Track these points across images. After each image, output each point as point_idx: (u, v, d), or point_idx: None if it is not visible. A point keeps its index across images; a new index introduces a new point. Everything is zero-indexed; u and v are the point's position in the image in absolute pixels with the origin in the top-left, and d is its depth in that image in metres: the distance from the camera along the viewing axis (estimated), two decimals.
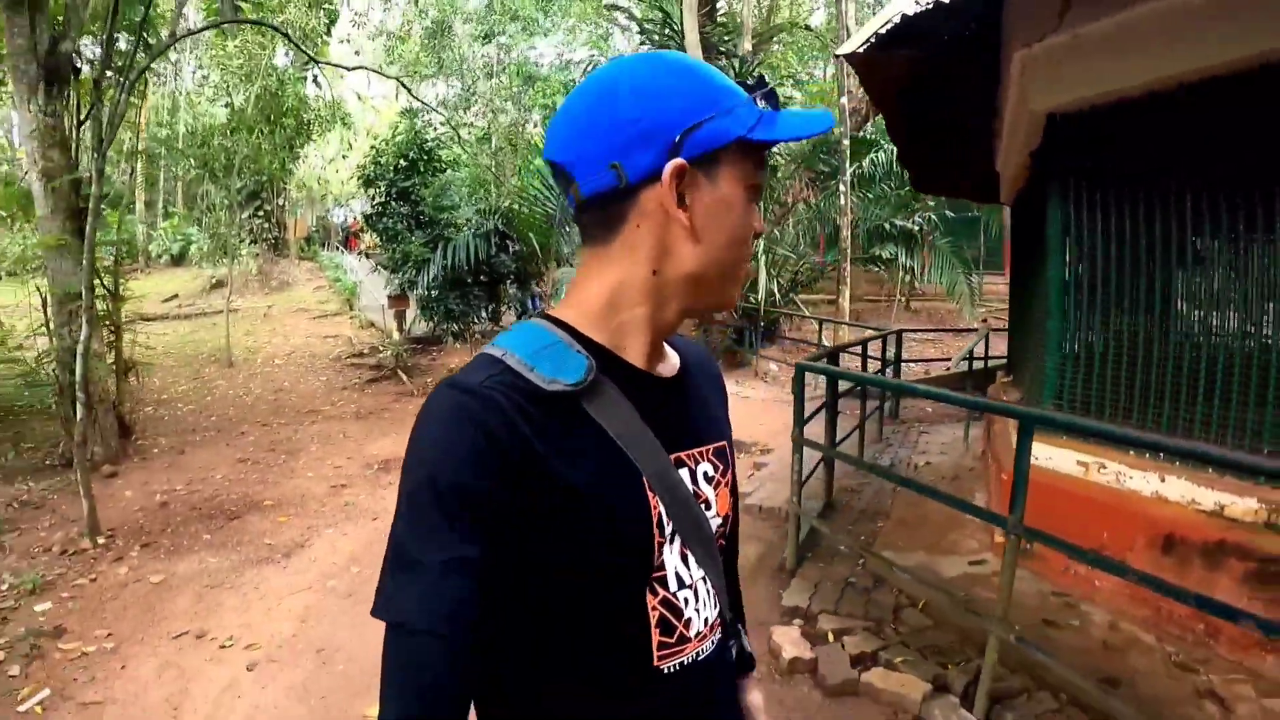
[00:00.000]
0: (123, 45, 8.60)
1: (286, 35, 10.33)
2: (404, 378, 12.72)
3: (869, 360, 9.73)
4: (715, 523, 1.00)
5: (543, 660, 0.88)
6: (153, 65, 7.99)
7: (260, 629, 4.42)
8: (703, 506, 0.97)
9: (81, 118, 7.55)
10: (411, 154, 12.60)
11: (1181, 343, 4.02)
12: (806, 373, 4.78)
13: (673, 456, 0.95)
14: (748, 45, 14.30)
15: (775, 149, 10.45)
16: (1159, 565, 3.66)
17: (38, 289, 8.11)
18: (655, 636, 0.90)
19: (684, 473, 0.96)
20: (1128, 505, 3.92)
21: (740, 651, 1.24)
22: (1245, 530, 3.45)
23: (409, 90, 11.15)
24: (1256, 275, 3.85)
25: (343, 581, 4.99)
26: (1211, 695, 3.15)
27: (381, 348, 14.26)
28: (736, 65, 12.18)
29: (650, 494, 0.89)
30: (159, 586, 5.05)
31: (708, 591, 0.97)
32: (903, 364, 10.82)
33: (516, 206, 10.71)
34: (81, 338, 6.39)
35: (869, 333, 11.00)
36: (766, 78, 0.97)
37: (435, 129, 15.22)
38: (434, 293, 11.63)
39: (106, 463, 7.67)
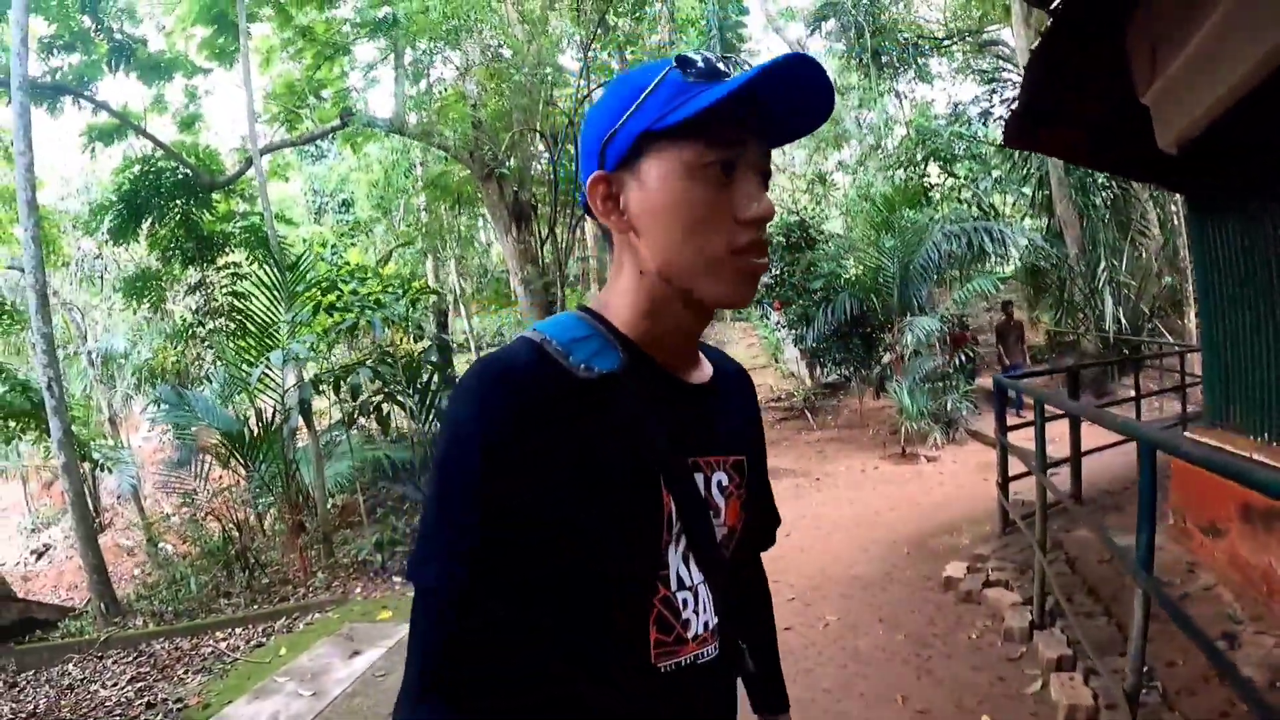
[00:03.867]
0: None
1: None
2: (809, 417, 15.09)
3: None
4: (721, 532, 1.03)
5: (545, 643, 0.88)
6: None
7: None
8: (711, 514, 1.00)
9: (543, 239, 11.61)
10: (793, 235, 14.82)
11: None
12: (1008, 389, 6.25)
13: (689, 460, 0.98)
14: None
15: None
16: (1241, 529, 4.63)
17: None
18: (653, 634, 0.93)
19: (698, 478, 0.99)
20: (1228, 484, 4.84)
21: (771, 685, 1.33)
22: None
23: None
24: None
25: None
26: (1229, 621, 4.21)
27: (795, 393, 16.83)
28: None
29: (665, 492, 0.92)
30: None
31: (707, 596, 0.99)
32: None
33: (859, 271, 12.52)
34: None
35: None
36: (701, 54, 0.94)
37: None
38: (822, 345, 13.82)
39: None
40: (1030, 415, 7.70)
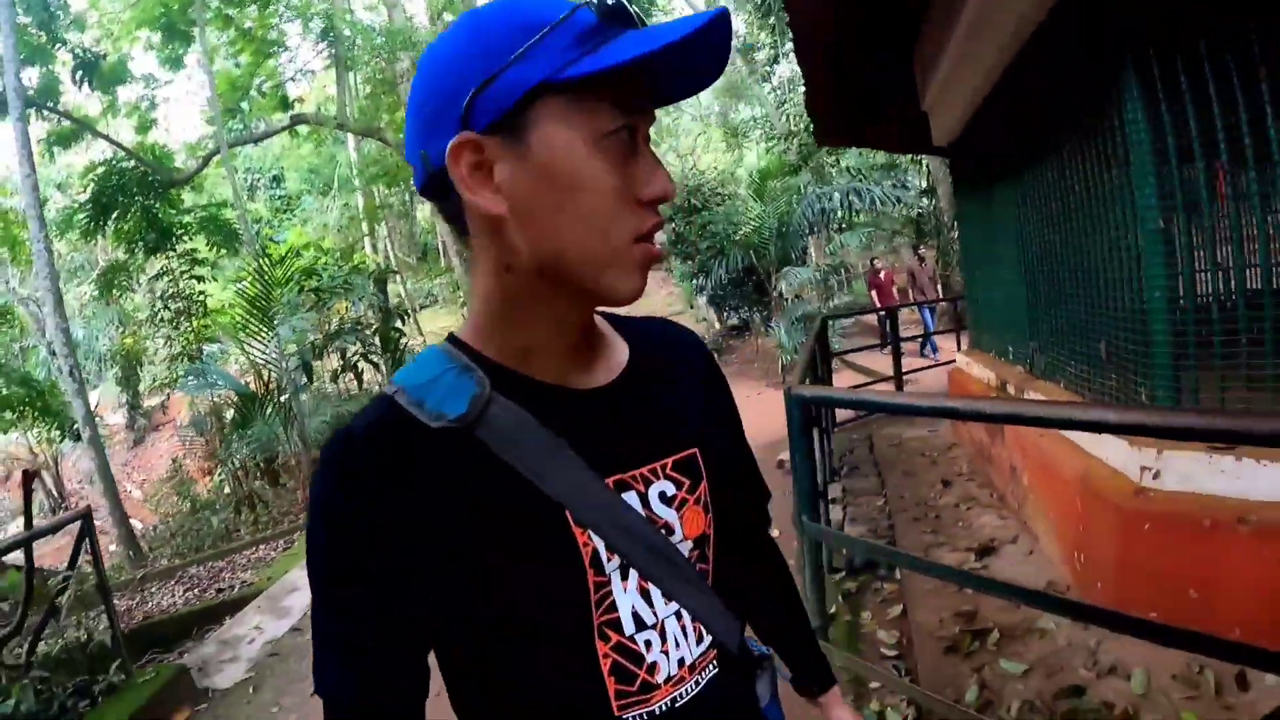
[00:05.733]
0: None
1: None
2: (715, 356, 17.34)
3: None
4: (685, 547, 0.90)
5: (500, 712, 0.85)
6: None
7: None
8: (663, 532, 0.87)
9: None
10: (691, 199, 16.81)
11: None
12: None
13: (612, 479, 0.84)
14: None
15: None
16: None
17: (463, 316, 14.88)
18: (611, 685, 0.83)
19: (631, 496, 0.86)
20: (971, 384, 7.02)
21: (809, 662, 1.21)
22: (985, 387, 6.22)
23: None
24: None
25: None
26: (955, 474, 6.44)
27: (705, 335, 19.14)
28: None
29: (576, 529, 0.80)
30: None
31: (683, 629, 0.89)
32: None
33: (747, 230, 14.68)
34: None
35: None
36: None
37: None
38: (719, 293, 15.93)
39: None
40: (935, 358, 10.03)
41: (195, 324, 14.61)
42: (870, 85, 6.94)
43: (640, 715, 0.85)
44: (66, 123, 14.89)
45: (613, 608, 0.84)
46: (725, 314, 18.51)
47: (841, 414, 8.54)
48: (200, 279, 14.90)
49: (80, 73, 13.53)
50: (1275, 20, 2.87)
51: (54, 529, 5.24)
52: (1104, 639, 3.27)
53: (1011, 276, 5.77)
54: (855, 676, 3.49)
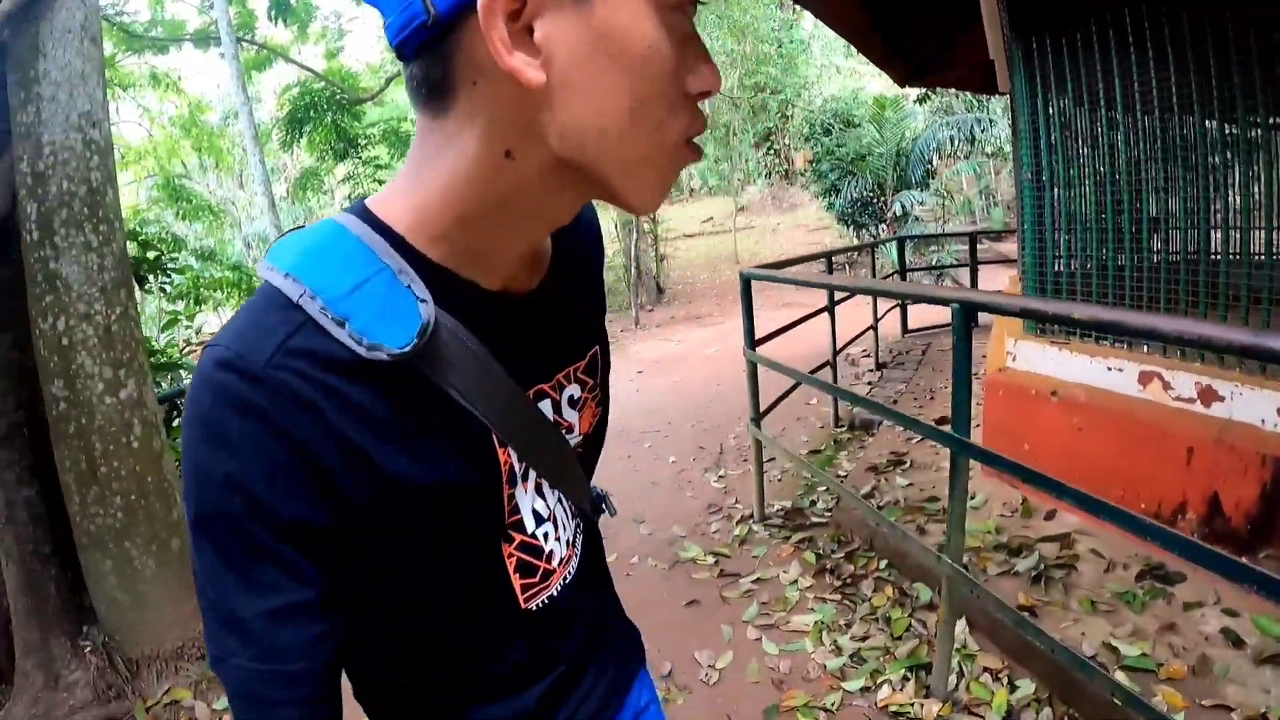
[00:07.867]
0: None
1: None
2: (847, 270, 18.99)
3: None
4: (574, 440, 0.89)
5: (399, 634, 0.82)
6: None
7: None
8: (564, 431, 0.86)
9: None
10: (820, 123, 18.21)
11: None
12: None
13: (534, 389, 0.81)
14: None
15: None
16: None
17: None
18: (517, 581, 0.83)
19: (546, 405, 0.83)
20: None
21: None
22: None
23: None
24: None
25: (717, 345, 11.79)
26: None
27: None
28: None
29: (500, 449, 0.76)
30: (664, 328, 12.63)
31: (566, 511, 0.90)
32: None
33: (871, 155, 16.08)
34: (633, 243, 14.16)
35: None
36: None
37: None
38: (848, 210, 17.34)
39: (647, 305, 15.56)
40: None
41: None
42: (934, 40, 8.15)
43: (543, 601, 0.85)
44: (262, 51, 17.70)
45: (516, 510, 0.80)
46: (860, 231, 19.90)
47: (915, 322, 10.19)
48: (382, 182, 17.54)
49: (274, 11, 16.01)
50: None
51: None
52: (975, 473, 4.76)
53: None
54: (811, 484, 5.42)
